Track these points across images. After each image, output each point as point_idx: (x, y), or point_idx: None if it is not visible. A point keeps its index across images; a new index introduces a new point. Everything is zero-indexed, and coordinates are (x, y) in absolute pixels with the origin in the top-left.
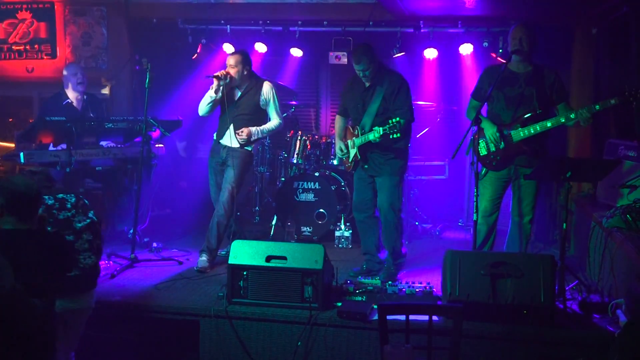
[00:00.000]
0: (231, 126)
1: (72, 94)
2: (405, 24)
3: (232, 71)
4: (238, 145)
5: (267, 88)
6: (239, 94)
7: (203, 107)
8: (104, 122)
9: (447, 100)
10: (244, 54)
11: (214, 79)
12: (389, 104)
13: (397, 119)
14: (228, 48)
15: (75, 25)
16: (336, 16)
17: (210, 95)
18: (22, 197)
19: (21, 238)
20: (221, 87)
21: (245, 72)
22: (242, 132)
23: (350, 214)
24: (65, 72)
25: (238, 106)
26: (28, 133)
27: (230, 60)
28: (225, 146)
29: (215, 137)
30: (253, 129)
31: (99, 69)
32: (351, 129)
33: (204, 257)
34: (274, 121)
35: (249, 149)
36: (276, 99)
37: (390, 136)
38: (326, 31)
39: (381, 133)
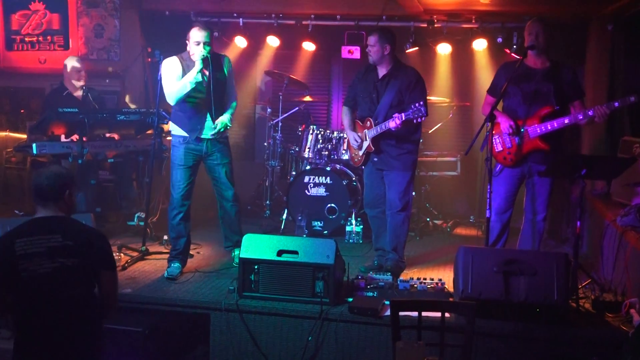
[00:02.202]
0: (208, 115)
1: (71, 86)
2: (418, 18)
3: (206, 51)
4: (219, 135)
5: (227, 61)
6: (207, 72)
7: (181, 92)
8: (116, 114)
9: (460, 96)
10: (211, 29)
11: (201, 61)
12: (404, 97)
13: (421, 102)
14: (240, 41)
15: (88, 16)
16: (349, 10)
17: (197, 78)
18: (37, 186)
19: (52, 225)
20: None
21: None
22: (216, 127)
23: (362, 209)
24: (65, 64)
25: (211, 90)
26: (40, 124)
27: (204, 37)
28: (206, 139)
29: (186, 135)
30: (225, 118)
31: (111, 61)
32: (360, 122)
33: (237, 252)
34: (233, 99)
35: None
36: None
37: (415, 120)
38: (339, 25)
39: (404, 119)
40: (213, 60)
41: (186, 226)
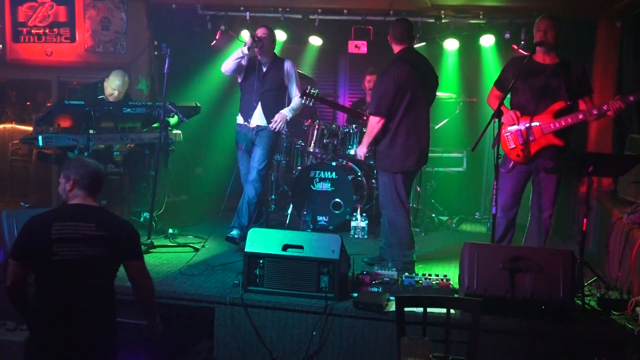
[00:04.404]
0: (259, 105)
1: (107, 92)
2: (426, 13)
3: (265, 41)
4: (266, 124)
5: (289, 64)
6: (263, 69)
7: (230, 63)
8: (122, 107)
9: (466, 91)
10: (273, 30)
11: (250, 37)
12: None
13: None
14: (247, 35)
15: (95, 9)
16: (356, 5)
17: (242, 50)
18: (94, 173)
19: (89, 213)
20: (251, 49)
21: (273, 46)
22: (275, 122)
23: (367, 204)
24: (109, 77)
25: (265, 82)
26: (47, 116)
27: (263, 31)
28: (255, 126)
29: (240, 121)
30: (284, 112)
31: (117, 54)
32: None
33: (234, 231)
34: (296, 99)
35: (284, 128)
36: (297, 76)
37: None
38: (346, 20)
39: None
40: (274, 62)
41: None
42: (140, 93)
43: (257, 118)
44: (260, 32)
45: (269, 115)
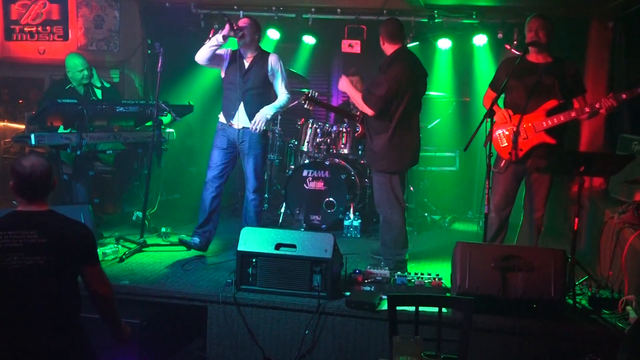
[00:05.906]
0: (241, 104)
1: (77, 78)
2: (419, 13)
3: (246, 31)
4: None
5: (274, 58)
6: (246, 65)
7: (203, 51)
8: (115, 106)
9: (459, 91)
10: (256, 21)
11: (227, 24)
12: None
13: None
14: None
15: (88, 7)
16: (350, 4)
17: (217, 38)
18: (27, 177)
19: (32, 220)
20: (228, 38)
21: (256, 38)
22: (255, 122)
23: (360, 203)
24: (68, 65)
25: (247, 80)
26: (39, 115)
27: (244, 21)
28: (240, 127)
29: (223, 120)
30: (264, 111)
31: (110, 52)
32: None
33: None
34: (282, 95)
35: (264, 127)
36: (284, 71)
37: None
38: (339, 19)
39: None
40: (257, 57)
41: (212, 203)
42: (134, 90)
43: (242, 120)
44: (242, 21)
45: (252, 116)
